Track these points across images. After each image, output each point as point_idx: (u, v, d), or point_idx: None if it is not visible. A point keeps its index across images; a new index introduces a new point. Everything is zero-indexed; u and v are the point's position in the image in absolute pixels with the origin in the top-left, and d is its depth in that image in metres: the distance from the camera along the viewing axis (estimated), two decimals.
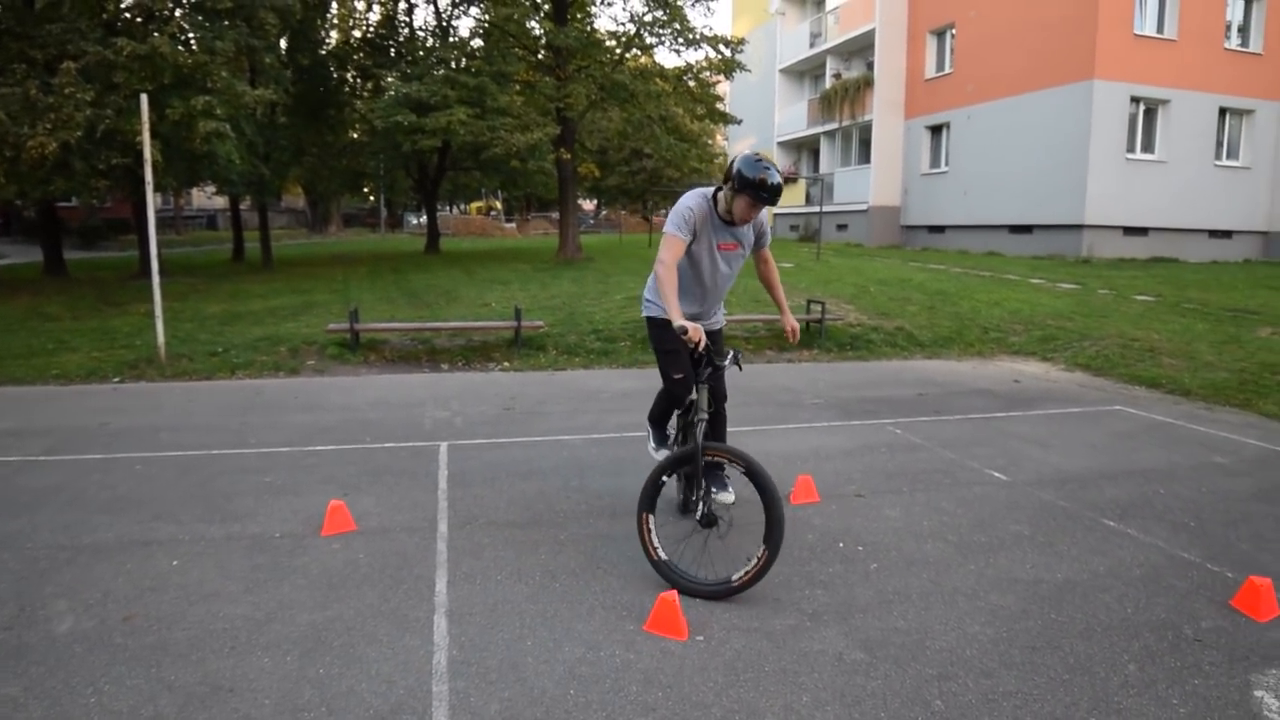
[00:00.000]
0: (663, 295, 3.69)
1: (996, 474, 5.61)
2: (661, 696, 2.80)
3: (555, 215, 49.30)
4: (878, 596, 3.62)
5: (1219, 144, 21.75)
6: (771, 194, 3.65)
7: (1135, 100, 20.51)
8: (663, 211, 50.40)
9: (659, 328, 4.04)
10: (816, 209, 30.61)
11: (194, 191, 44.48)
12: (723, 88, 31.81)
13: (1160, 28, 20.71)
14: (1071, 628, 3.39)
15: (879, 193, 27.35)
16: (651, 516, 3.69)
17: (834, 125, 29.21)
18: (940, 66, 25.67)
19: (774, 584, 3.70)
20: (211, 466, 5.49)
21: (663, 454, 4.35)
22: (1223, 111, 21.58)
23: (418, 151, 20.09)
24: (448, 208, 45.89)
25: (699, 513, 3.75)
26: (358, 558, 3.95)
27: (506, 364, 9.85)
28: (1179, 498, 5.16)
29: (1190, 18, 20.61)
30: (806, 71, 32.98)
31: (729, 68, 18.95)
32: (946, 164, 25.35)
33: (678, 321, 3.51)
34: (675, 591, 3.32)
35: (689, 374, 3.86)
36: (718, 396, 4.23)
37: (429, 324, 10.74)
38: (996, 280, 16.75)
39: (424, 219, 45.13)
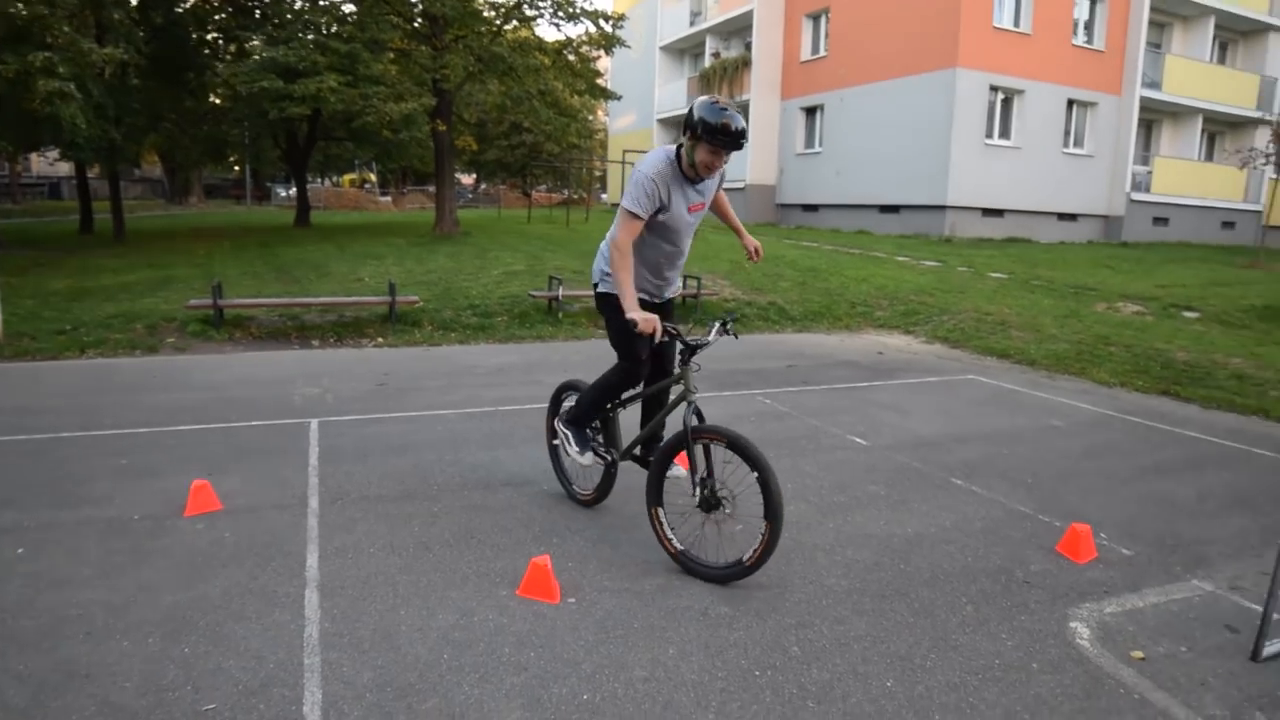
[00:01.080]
0: (617, 282, 3.45)
1: (857, 439, 5.95)
2: (534, 656, 2.89)
3: (432, 189, 48.21)
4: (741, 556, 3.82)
5: (1067, 133, 23.35)
6: (734, 139, 3.33)
7: (994, 89, 21.74)
8: (543, 186, 49.95)
9: (613, 305, 3.71)
10: None
11: (33, 157, 41.02)
12: (603, 63, 31.70)
13: (1017, 22, 21.97)
14: (918, 576, 3.68)
15: (755, 171, 27.99)
16: (661, 509, 3.62)
17: None
18: (816, 49, 26.41)
19: (643, 546, 3.84)
20: (61, 450, 5.18)
21: (589, 457, 4.01)
22: (1070, 103, 23.15)
23: (286, 120, 19.16)
24: (318, 180, 44.04)
25: (698, 497, 3.53)
26: (223, 536, 3.85)
27: (380, 340, 9.65)
28: (1020, 457, 5.62)
29: (1043, 14, 21.96)
30: (686, 50, 33.27)
31: (609, 43, 18.92)
32: (821, 145, 26.19)
33: (630, 314, 3.32)
34: (547, 556, 3.41)
35: (648, 356, 3.72)
36: (665, 373, 4.02)
37: (299, 299, 10.39)
38: (865, 258, 17.51)
39: (293, 191, 43.26)
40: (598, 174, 45.41)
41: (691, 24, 31.61)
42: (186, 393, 6.85)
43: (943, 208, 21.60)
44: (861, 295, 13.12)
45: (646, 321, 3.32)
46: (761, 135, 27.65)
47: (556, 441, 4.37)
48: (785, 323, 11.69)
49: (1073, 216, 23.91)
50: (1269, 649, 3.12)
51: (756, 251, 4.07)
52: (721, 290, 12.77)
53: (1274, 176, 21.73)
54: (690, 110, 3.39)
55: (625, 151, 21.45)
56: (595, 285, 3.94)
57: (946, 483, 5.03)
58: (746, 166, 27.66)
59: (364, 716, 2.53)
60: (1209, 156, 27.07)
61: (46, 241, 19.53)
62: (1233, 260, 20.27)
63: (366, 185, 44.08)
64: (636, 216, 3.46)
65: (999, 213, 22.41)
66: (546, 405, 4.61)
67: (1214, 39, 25.72)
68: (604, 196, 42.48)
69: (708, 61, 30.02)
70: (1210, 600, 3.60)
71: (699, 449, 3.51)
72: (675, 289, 4.03)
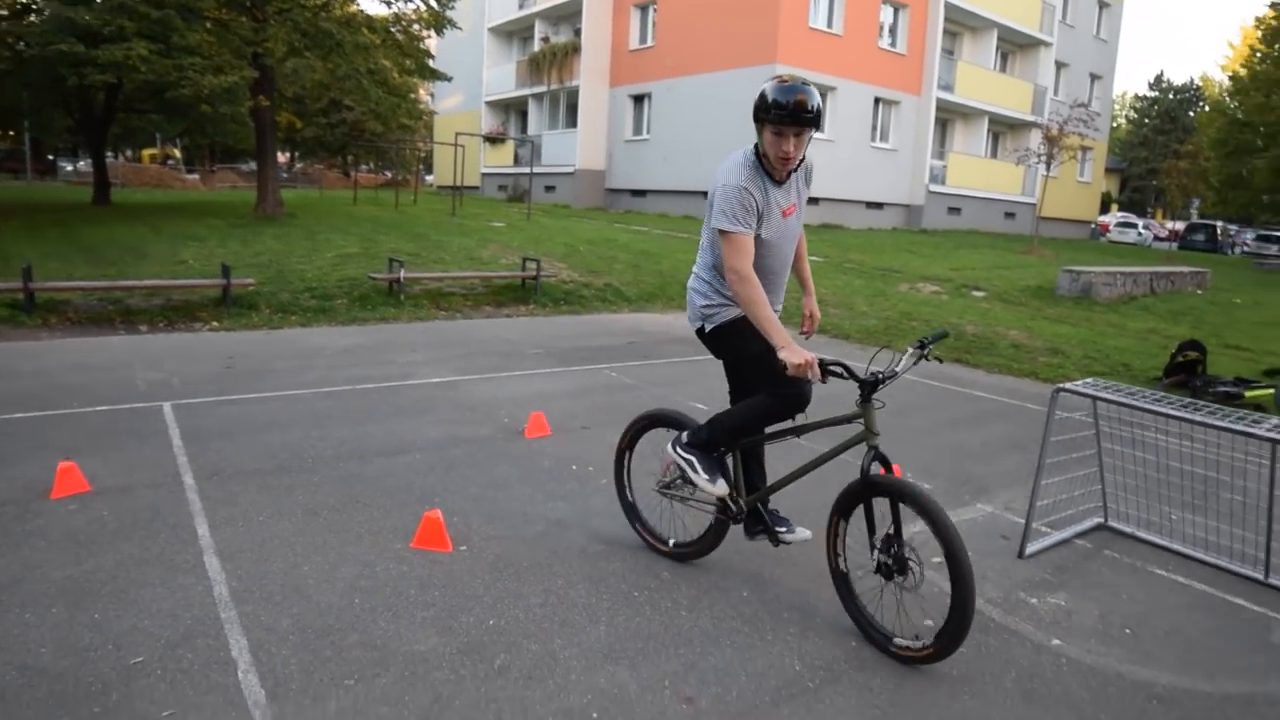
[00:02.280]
0: (758, 321, 2.91)
1: (700, 405, 6.56)
2: (439, 595, 3.23)
3: (245, 167, 45.23)
4: (609, 504, 4.29)
5: (874, 128, 25.44)
6: (815, 118, 2.88)
7: (780, 77, 23.30)
8: (365, 167, 48.18)
9: (737, 333, 3.20)
10: (524, 170, 31.23)
11: None
12: (431, 43, 31.10)
13: (830, 24, 23.65)
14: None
15: (585, 156, 28.50)
16: (845, 523, 3.17)
17: (542, 88, 29.85)
18: (644, 39, 27.18)
19: (520, 500, 4.23)
20: None
21: (722, 485, 3.35)
22: (877, 101, 25.22)
23: (82, 88, 17.66)
24: (114, 154, 40.37)
25: (876, 562, 3.04)
26: (101, 515, 3.88)
27: (216, 324, 9.35)
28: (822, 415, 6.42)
29: (853, 17, 23.79)
30: (515, 32, 33.22)
31: (439, 23, 18.73)
32: (648, 132, 27.04)
33: (783, 353, 2.78)
34: (438, 510, 3.73)
35: (871, 385, 2.99)
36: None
37: (120, 282, 9.84)
38: (692, 242, 18.42)
39: (81, 165, 39.37)
40: (420, 155, 44.37)
41: (521, 7, 31.60)
42: (12, 381, 6.48)
43: None
44: None
45: (805, 361, 2.74)
46: (591, 121, 28.18)
47: (630, 486, 3.90)
48: (622, 303, 12.26)
49: (879, 205, 26.09)
50: (1030, 549, 3.98)
51: (811, 318, 3.60)
52: (559, 272, 13.17)
53: (1045, 174, 24.70)
54: (761, 95, 2.95)
55: (458, 134, 21.28)
56: (700, 328, 3.37)
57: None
58: (576, 152, 28.11)
59: (292, 654, 2.79)
60: (994, 154, 30.25)
61: None
62: (1013, 246, 22.92)
63: (170, 161, 40.87)
64: (742, 234, 2.97)
65: (814, 200, 24.09)
66: (616, 448, 3.96)
67: (997, 49, 28.77)
68: (430, 179, 41.63)
69: (537, 45, 30.15)
70: (989, 518, 4.45)
71: (884, 503, 3.00)
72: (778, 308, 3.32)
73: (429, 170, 44.59)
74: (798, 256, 3.45)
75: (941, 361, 3.73)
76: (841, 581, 3.17)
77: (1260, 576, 3.83)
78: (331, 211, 21.36)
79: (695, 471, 3.34)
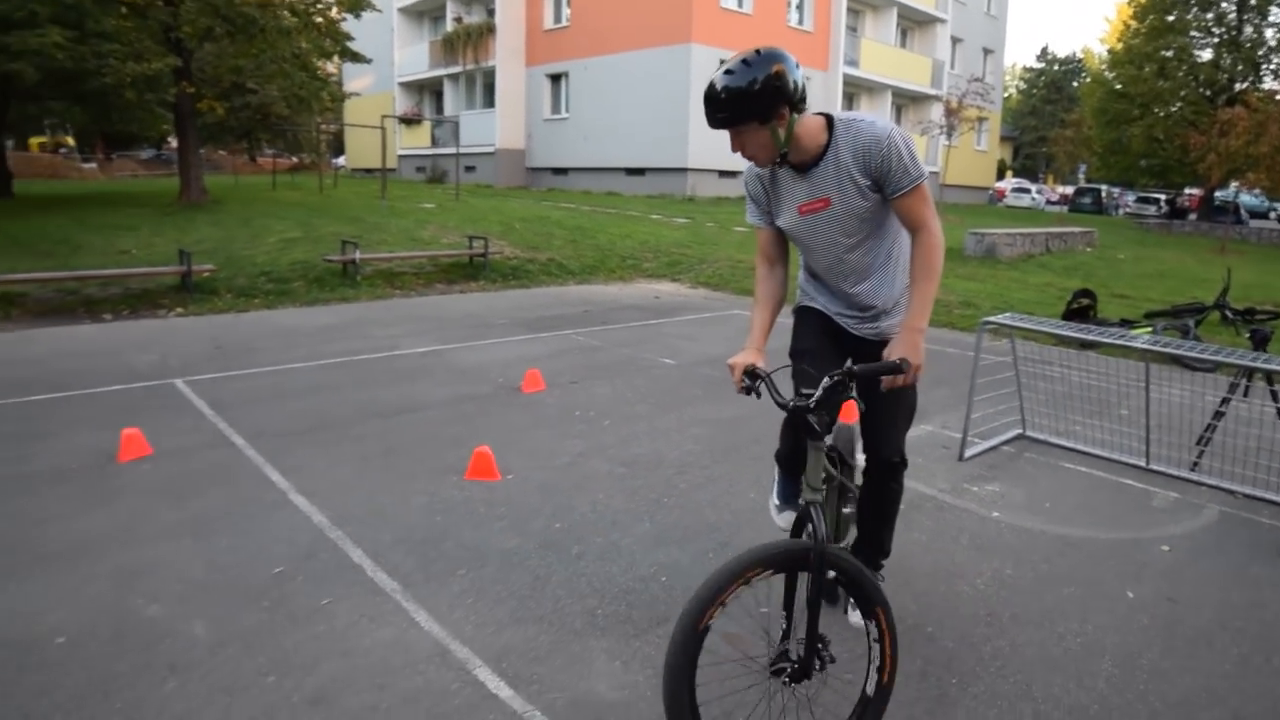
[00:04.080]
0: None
1: (666, 360, 7.31)
2: (504, 510, 3.89)
3: (142, 155, 43.55)
4: (618, 438, 5.01)
5: None
6: (714, 105, 2.32)
7: (722, 62, 24.12)
8: (270, 151, 46.71)
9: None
10: (443, 151, 31.22)
11: None
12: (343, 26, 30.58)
13: (740, 3, 24.48)
14: (742, 441, 5.06)
15: (504, 136, 28.75)
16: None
17: (457, 69, 29.86)
18: (558, 19, 27.52)
19: (541, 440, 4.90)
20: None
21: (787, 517, 2.93)
22: None
23: None
24: None
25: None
26: (176, 471, 4.37)
27: (180, 309, 9.58)
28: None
29: None
30: (426, 12, 32.99)
31: (357, 5, 18.74)
32: (567, 110, 27.47)
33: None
34: (487, 446, 4.36)
35: (789, 414, 2.31)
36: (841, 458, 2.84)
37: (80, 272, 9.93)
38: (622, 217, 19.10)
39: None
40: (327, 138, 43.45)
41: None
42: (9, 368, 6.72)
43: (684, 170, 23.80)
44: (629, 250, 14.62)
45: (730, 365, 2.48)
46: (508, 101, 28.40)
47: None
48: (566, 276, 12.88)
49: None
50: (967, 454, 4.89)
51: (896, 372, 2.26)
52: (502, 249, 13.68)
53: (946, 143, 26.25)
54: None
55: (384, 117, 21.30)
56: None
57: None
58: (495, 132, 28.31)
59: (404, 558, 3.41)
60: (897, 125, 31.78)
61: None
62: None
63: (63, 150, 39.01)
64: (753, 225, 2.74)
65: (733, 174, 25.04)
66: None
67: (897, 26, 30.20)
68: (340, 162, 40.92)
69: (449, 25, 30.08)
70: (931, 435, 5.35)
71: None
72: (880, 323, 2.74)
73: (336, 153, 43.74)
74: (912, 266, 2.47)
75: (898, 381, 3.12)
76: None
77: (1142, 464, 4.84)
78: (254, 197, 21.14)
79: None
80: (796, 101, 2.32)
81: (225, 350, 7.47)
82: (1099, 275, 15.14)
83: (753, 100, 2.28)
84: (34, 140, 38.59)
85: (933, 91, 30.70)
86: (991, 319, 4.96)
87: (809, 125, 2.42)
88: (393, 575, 3.26)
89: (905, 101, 31.91)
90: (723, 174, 24.78)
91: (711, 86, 2.31)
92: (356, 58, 20.11)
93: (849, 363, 2.24)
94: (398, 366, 6.86)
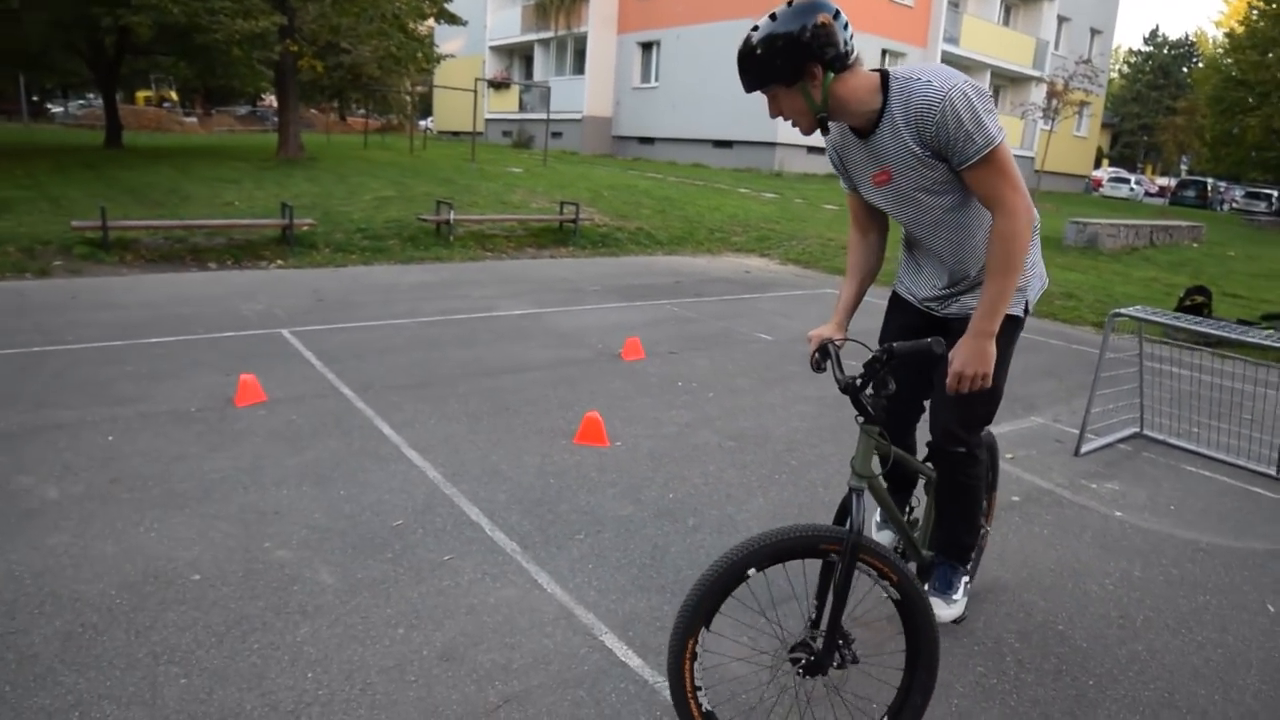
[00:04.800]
0: None
1: (763, 335, 7.17)
2: (616, 476, 3.85)
3: (238, 111, 44.85)
4: (723, 411, 4.92)
5: None
6: (750, 80, 2.11)
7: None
8: (360, 111, 47.58)
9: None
10: (530, 116, 31.28)
11: None
12: None
13: None
14: (848, 421, 4.91)
15: (592, 103, 28.64)
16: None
17: (549, 34, 29.81)
18: None
19: (646, 408, 4.84)
20: (48, 363, 5.36)
21: (887, 536, 2.88)
22: (884, 52, 25.46)
23: (92, 29, 17.72)
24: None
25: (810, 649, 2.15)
26: (291, 419, 4.45)
27: (280, 262, 9.81)
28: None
29: None
30: None
31: None
32: (657, 79, 27.20)
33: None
34: (597, 411, 4.33)
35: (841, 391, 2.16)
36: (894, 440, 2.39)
37: (188, 221, 10.26)
38: (710, 189, 18.87)
39: (72, 107, 38.91)
40: (414, 99, 43.99)
41: None
42: (127, 311, 6.97)
43: (773, 144, 23.37)
44: (717, 222, 14.42)
45: (811, 336, 2.40)
46: (598, 68, 28.26)
47: None
48: (655, 246, 12.77)
49: None
50: (1084, 449, 4.66)
51: (959, 379, 2.19)
52: (592, 217, 13.64)
53: (1045, 128, 25.16)
54: None
55: (477, 80, 21.44)
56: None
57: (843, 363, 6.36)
58: (584, 98, 28.23)
59: (521, 519, 3.40)
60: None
61: None
62: None
63: (166, 104, 40.45)
64: (845, 192, 2.50)
65: (821, 150, 24.49)
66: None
67: (1001, 3, 28.95)
68: (427, 124, 41.41)
69: None
70: (1042, 428, 5.13)
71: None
72: (955, 303, 2.44)
73: (422, 115, 44.27)
74: (986, 255, 2.18)
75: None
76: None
77: (1273, 473, 4.55)
78: (347, 155, 21.58)
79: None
80: (831, 59, 2.02)
81: (326, 303, 7.61)
82: (1208, 272, 14.35)
83: (774, 60, 2.03)
84: (140, 94, 40.08)
85: (1033, 73, 29.42)
86: (1122, 311, 4.70)
87: (854, 85, 2.10)
88: (510, 535, 3.25)
89: (1004, 82, 30.68)
90: (810, 150, 24.27)
91: (741, 46, 2.08)
92: (454, 20, 20.24)
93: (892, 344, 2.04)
94: (498, 327, 6.88)
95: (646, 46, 27.70)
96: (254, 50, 15.62)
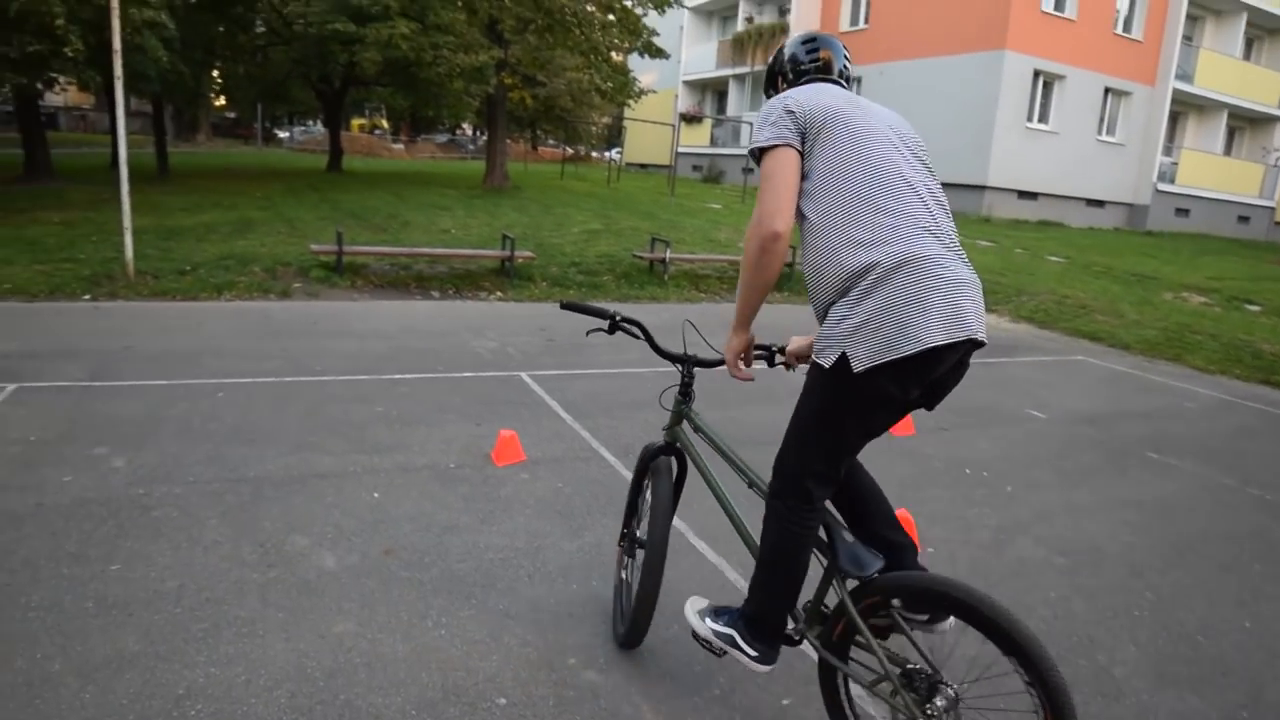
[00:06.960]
0: None
1: (1034, 412, 6.29)
2: None
3: (439, 138, 47.60)
4: (1033, 513, 4.17)
5: (1101, 120, 23.72)
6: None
7: (1037, 73, 21.98)
8: (551, 142, 49.35)
9: None
10: (721, 151, 31.09)
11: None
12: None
13: (1061, 7, 22.14)
14: (1192, 538, 4.02)
15: None
16: None
17: (745, 69, 29.57)
18: (856, 20, 26.39)
19: (946, 500, 4.14)
20: (301, 396, 5.31)
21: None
22: (1107, 91, 23.50)
23: (325, 61, 18.99)
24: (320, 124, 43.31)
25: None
26: (557, 486, 4.08)
27: (499, 294, 9.79)
28: (1181, 435, 6.00)
29: (1087, 1, 22.17)
30: (716, 11, 33.02)
31: (663, 1, 18.83)
32: None
33: None
34: (905, 509, 3.69)
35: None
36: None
37: (412, 249, 10.48)
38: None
39: (297, 133, 42.45)
40: (602, 132, 45.05)
41: None
42: (364, 340, 6.98)
43: (982, 188, 21.93)
44: None
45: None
46: None
47: None
48: None
49: (1100, 203, 24.39)
50: None
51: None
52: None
53: None
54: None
55: (680, 114, 21.36)
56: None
57: (1142, 455, 5.41)
58: None
59: None
60: (1229, 151, 27.62)
61: (86, 175, 19.15)
62: (1260, 255, 20.91)
63: (377, 131, 43.45)
64: None
65: (1033, 195, 22.82)
66: None
67: (1244, 35, 26.12)
68: (615, 155, 42.22)
69: (740, 25, 29.88)
70: None
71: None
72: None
73: (615, 147, 45.24)
74: None
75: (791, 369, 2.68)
76: None
77: None
78: (547, 185, 22.06)
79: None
80: (793, 77, 2.27)
81: (555, 344, 7.37)
82: None
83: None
84: (355, 121, 43.24)
85: (1277, 112, 26.31)
86: None
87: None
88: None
89: (1242, 123, 27.60)
90: (1022, 194, 22.62)
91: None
92: (657, 52, 20.27)
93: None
94: (740, 384, 6.36)
95: None
96: (471, 83, 16.10)
